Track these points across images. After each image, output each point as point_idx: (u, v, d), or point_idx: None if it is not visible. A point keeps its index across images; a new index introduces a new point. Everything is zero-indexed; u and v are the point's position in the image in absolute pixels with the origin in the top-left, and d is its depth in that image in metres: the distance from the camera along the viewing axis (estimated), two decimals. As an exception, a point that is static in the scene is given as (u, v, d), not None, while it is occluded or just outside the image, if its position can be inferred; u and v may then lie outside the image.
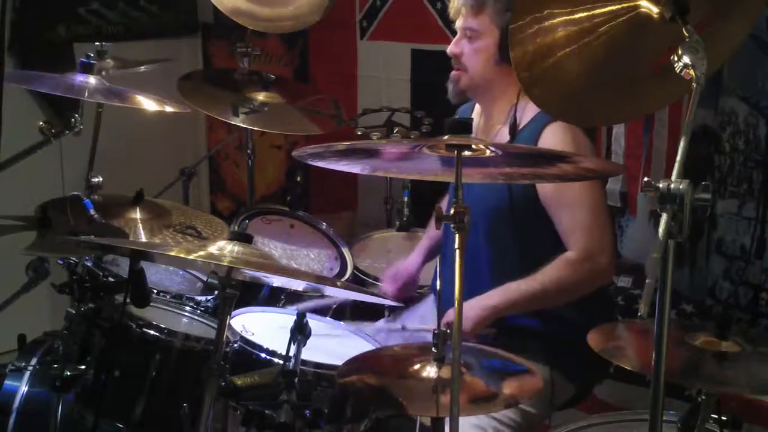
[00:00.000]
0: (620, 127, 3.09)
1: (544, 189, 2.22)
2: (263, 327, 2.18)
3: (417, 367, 1.78)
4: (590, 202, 2.21)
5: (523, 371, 1.87)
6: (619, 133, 3.12)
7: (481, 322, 2.16)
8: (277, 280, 2.10)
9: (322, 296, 2.60)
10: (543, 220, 2.23)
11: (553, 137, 2.20)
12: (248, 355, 2.05)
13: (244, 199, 4.00)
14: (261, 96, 3.16)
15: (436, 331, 1.73)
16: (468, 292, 2.17)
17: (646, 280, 1.23)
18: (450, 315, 2.15)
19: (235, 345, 2.06)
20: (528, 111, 2.28)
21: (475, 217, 2.23)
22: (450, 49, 2.35)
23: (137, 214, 2.37)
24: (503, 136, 2.31)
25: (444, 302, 1.83)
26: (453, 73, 2.37)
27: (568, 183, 2.18)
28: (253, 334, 2.12)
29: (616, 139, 3.12)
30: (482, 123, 2.45)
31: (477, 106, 2.49)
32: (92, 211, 2.15)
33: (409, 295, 2.65)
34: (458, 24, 2.35)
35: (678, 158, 1.28)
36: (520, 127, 2.28)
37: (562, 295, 2.20)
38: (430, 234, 2.73)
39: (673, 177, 1.26)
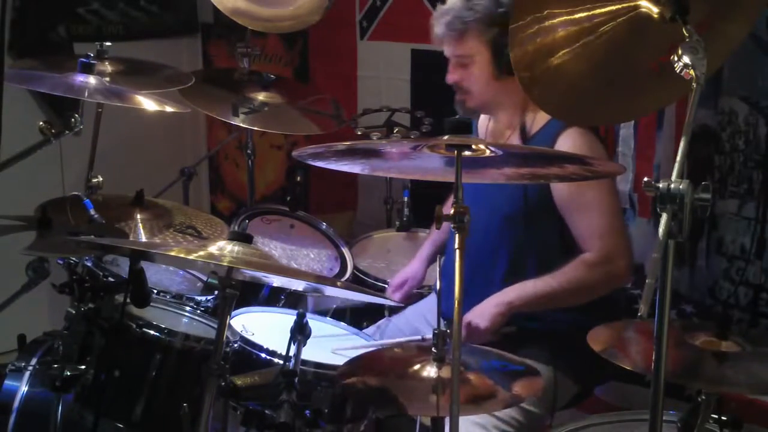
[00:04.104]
0: (628, 128, 3.07)
1: (560, 193, 2.21)
2: (263, 327, 2.18)
3: (417, 367, 1.78)
4: (607, 205, 2.21)
5: (523, 371, 1.87)
6: (627, 134, 3.10)
7: (497, 319, 2.15)
8: (277, 280, 2.10)
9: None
10: (557, 224, 2.23)
11: (570, 142, 2.19)
12: (248, 355, 2.05)
13: (244, 199, 4.00)
14: (261, 96, 3.16)
15: (436, 331, 1.73)
16: (483, 294, 2.19)
17: (646, 280, 1.23)
18: (469, 315, 2.15)
19: (235, 345, 2.06)
20: (539, 116, 2.27)
21: (490, 222, 2.25)
22: (448, 79, 2.33)
23: (137, 214, 2.37)
24: (514, 141, 2.31)
25: (445, 302, 1.83)
26: (457, 98, 2.35)
27: (583, 187, 2.18)
28: (253, 334, 2.12)
29: (624, 140, 3.10)
30: (491, 126, 2.44)
31: None
32: (92, 211, 2.15)
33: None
34: (446, 52, 2.33)
35: (678, 158, 1.28)
36: (532, 132, 2.28)
37: (578, 295, 2.19)
38: (434, 238, 2.72)
39: (673, 177, 1.26)
